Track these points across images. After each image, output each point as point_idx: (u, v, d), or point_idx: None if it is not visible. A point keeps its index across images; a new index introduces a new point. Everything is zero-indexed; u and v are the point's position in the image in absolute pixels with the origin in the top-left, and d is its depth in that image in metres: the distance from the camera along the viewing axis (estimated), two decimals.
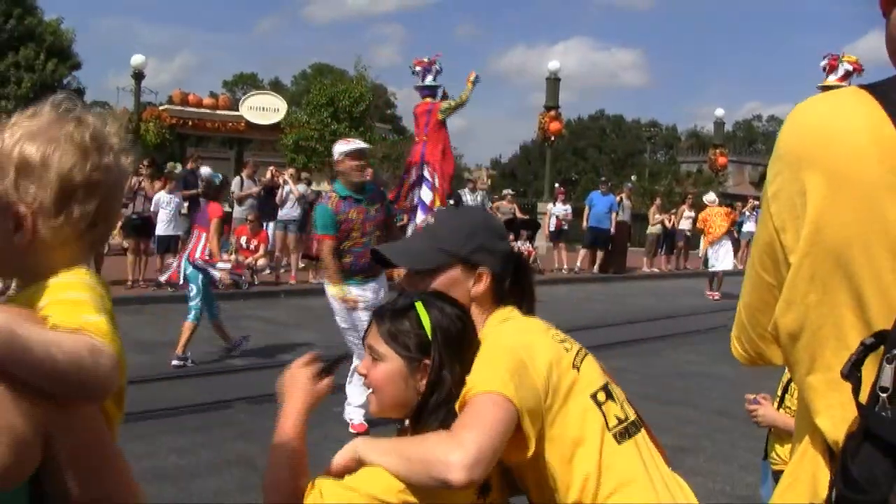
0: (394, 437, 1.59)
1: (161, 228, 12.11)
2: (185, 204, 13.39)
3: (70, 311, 1.11)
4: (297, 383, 1.62)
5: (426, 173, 6.98)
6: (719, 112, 28.62)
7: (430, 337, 1.58)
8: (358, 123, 20.19)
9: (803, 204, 0.95)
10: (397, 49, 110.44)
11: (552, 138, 22.80)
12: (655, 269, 19.70)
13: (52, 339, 1.04)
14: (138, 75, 19.32)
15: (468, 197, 16.55)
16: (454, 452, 1.42)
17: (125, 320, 10.63)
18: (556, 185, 21.69)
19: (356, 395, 5.61)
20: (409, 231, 7.05)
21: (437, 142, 8.35)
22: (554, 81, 22.58)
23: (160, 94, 25.30)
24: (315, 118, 20.12)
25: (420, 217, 7.05)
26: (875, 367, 0.85)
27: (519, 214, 18.14)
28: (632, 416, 1.69)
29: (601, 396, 1.63)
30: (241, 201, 13.86)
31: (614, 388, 1.71)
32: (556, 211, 18.51)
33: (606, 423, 1.61)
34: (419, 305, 1.61)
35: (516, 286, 1.82)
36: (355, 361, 5.24)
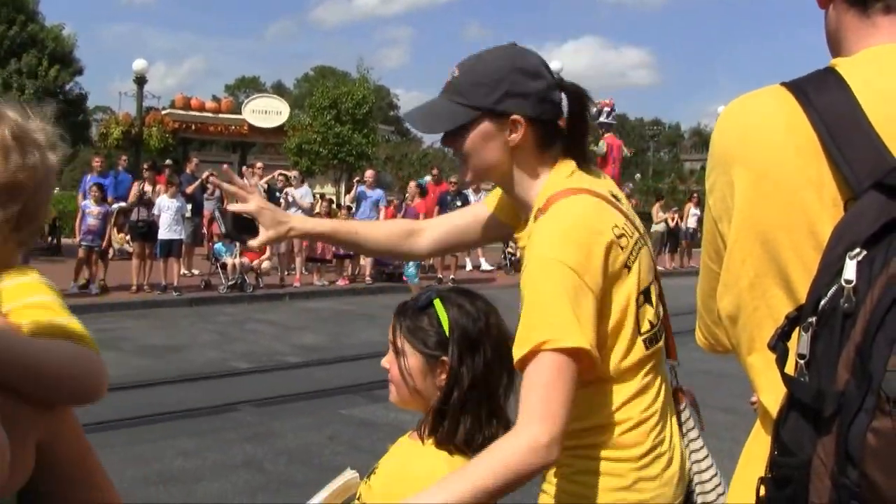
0: (441, 482, 1.34)
1: (163, 233, 12.02)
2: (189, 206, 13.39)
3: (42, 316, 1.08)
4: None
5: None
6: (722, 109, 28.63)
7: (448, 335, 1.56)
8: (361, 126, 20.18)
9: (732, 195, 1.03)
10: (406, 50, 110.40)
11: None
12: (660, 267, 19.60)
13: (41, 347, 1.02)
14: (140, 80, 19.32)
15: (472, 197, 16.55)
16: (540, 433, 1.32)
17: (130, 325, 10.51)
18: None
19: None
20: None
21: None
22: None
23: (165, 98, 25.33)
24: (318, 121, 20.09)
25: None
26: None
27: None
28: (660, 317, 1.65)
29: (640, 299, 1.57)
30: None
31: (654, 287, 1.65)
32: None
33: (639, 328, 1.57)
34: (437, 303, 1.59)
35: (571, 126, 1.63)
36: None
